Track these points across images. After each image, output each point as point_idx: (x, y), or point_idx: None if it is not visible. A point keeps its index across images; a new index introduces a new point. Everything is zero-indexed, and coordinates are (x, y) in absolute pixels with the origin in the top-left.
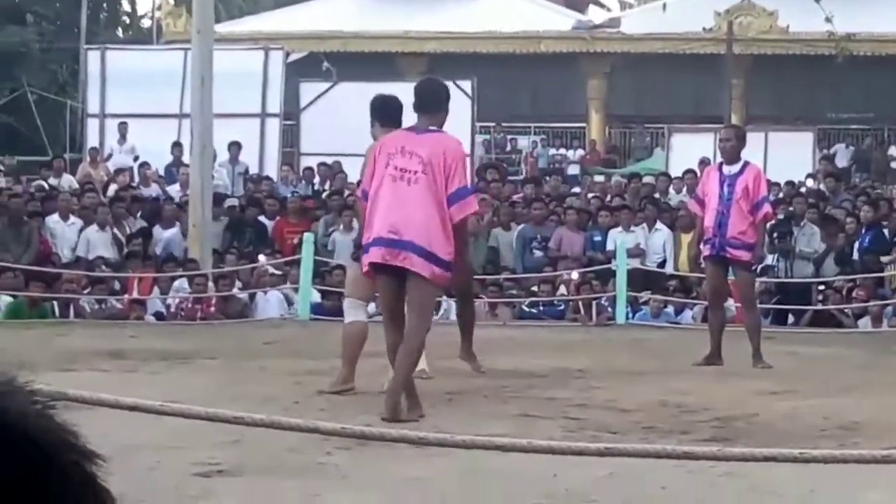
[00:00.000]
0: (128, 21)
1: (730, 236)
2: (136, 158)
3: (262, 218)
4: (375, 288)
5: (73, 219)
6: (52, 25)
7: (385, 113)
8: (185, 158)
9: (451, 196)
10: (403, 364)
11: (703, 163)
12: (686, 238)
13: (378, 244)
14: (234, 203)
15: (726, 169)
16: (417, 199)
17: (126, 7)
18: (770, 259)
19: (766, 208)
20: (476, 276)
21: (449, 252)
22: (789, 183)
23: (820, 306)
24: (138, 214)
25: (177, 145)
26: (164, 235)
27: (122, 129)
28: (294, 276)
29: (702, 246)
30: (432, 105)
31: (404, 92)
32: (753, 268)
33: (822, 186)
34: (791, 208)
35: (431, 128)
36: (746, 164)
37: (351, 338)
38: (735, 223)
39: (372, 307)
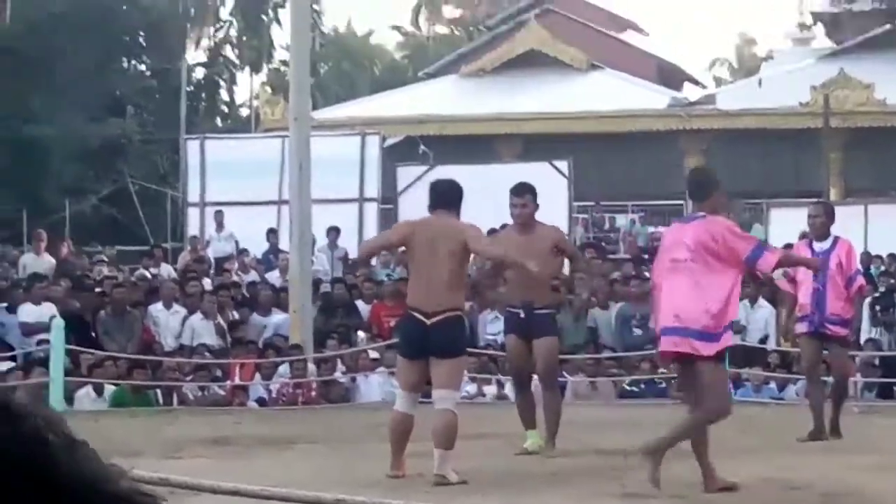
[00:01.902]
0: (226, 110)
1: (829, 313)
2: (237, 244)
3: (359, 302)
4: (417, 377)
5: (176, 307)
6: (152, 117)
7: (443, 198)
8: (282, 245)
9: (748, 260)
10: (685, 427)
11: (803, 237)
12: None
13: (665, 333)
14: (328, 289)
15: (817, 245)
16: (687, 285)
17: (224, 97)
18: (874, 332)
19: (860, 281)
20: (575, 356)
21: (714, 324)
22: (892, 255)
23: None
24: (235, 301)
25: (272, 232)
26: (272, 320)
27: (219, 218)
28: (392, 359)
29: (798, 323)
30: (700, 192)
31: (500, 173)
32: (849, 342)
33: None
34: (893, 280)
35: (699, 214)
36: (837, 238)
37: (392, 426)
38: (833, 299)
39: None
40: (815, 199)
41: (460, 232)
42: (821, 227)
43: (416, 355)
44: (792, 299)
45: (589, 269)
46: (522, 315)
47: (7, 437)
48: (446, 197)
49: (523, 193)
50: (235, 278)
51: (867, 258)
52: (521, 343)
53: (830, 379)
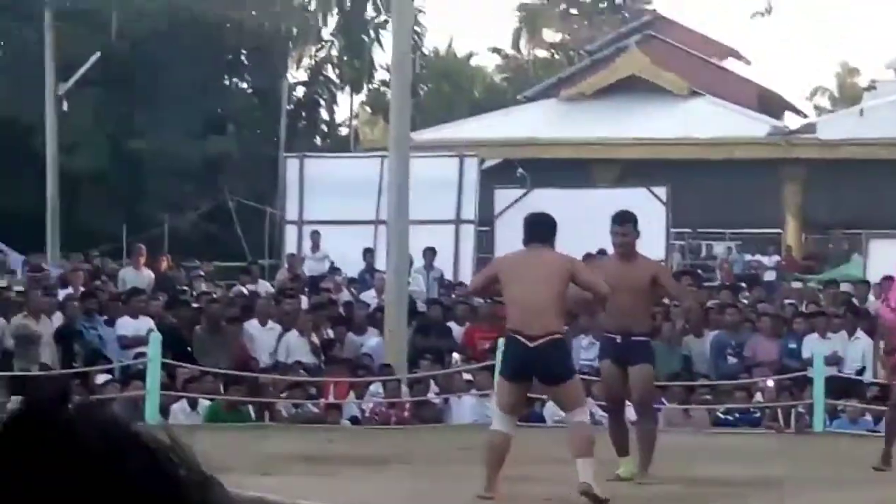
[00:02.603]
0: (326, 129)
1: None
2: (331, 264)
3: (451, 323)
4: (517, 399)
5: (271, 324)
6: (252, 134)
7: (539, 232)
8: (378, 265)
9: None
10: None
11: None
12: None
13: None
14: (424, 308)
15: None
16: None
17: (324, 116)
18: None
19: None
20: (670, 383)
21: None
22: None
23: None
24: (331, 319)
25: (369, 251)
26: (367, 340)
27: (315, 238)
28: (484, 381)
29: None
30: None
31: (597, 197)
32: None
33: None
34: None
35: None
36: None
37: (490, 447)
38: None
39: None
40: None
41: (566, 262)
42: None
43: (518, 378)
44: (891, 328)
45: (686, 308)
46: (619, 341)
47: (139, 472)
48: (542, 230)
49: (626, 222)
50: (337, 297)
51: None
52: (617, 369)
53: None
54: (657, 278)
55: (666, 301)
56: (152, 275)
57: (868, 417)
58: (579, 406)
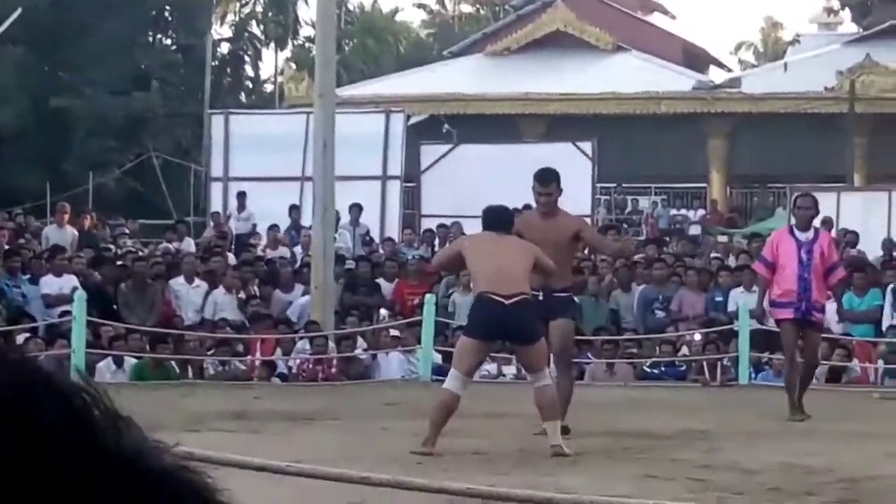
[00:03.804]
0: (251, 86)
1: (814, 300)
2: (254, 227)
3: (381, 280)
4: (478, 361)
5: (197, 281)
6: (176, 91)
7: (498, 222)
8: (304, 221)
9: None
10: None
11: (825, 223)
12: None
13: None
14: (352, 265)
15: (801, 235)
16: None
17: (249, 72)
18: None
19: (842, 272)
20: (596, 337)
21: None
22: None
23: None
24: (255, 279)
25: (294, 208)
26: (295, 298)
27: (241, 199)
28: (411, 339)
29: (780, 308)
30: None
31: (524, 153)
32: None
33: None
34: None
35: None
36: (818, 230)
37: (440, 405)
38: (817, 288)
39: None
40: (839, 185)
41: (530, 245)
42: (810, 218)
43: (488, 337)
44: (766, 284)
45: (617, 249)
46: (541, 297)
47: (52, 414)
48: (501, 220)
49: (548, 182)
50: (268, 253)
51: (888, 244)
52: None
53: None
54: (580, 234)
55: (592, 257)
56: (76, 232)
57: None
58: (543, 366)
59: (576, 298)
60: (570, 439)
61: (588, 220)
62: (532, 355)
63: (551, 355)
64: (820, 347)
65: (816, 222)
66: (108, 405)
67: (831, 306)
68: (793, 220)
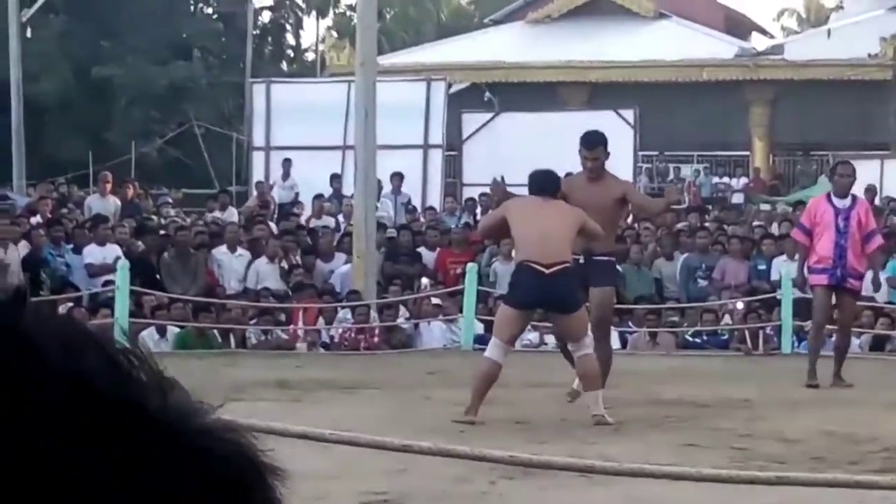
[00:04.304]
0: (292, 55)
1: (850, 267)
2: (296, 195)
3: (422, 249)
4: (519, 329)
5: (240, 251)
6: (217, 60)
7: (543, 186)
8: (345, 190)
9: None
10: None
11: (869, 190)
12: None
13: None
14: (393, 234)
15: (839, 202)
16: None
17: (290, 41)
18: None
19: (879, 240)
20: (639, 305)
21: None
22: None
23: None
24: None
25: (336, 177)
26: (336, 267)
27: (286, 166)
28: (453, 306)
29: (817, 275)
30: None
31: (566, 121)
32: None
33: None
34: None
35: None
36: (856, 197)
37: (482, 374)
38: (853, 255)
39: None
40: (883, 152)
41: (577, 211)
42: (849, 186)
43: (528, 306)
44: (805, 251)
45: (662, 208)
46: (582, 261)
47: (97, 373)
48: (548, 184)
49: (595, 146)
50: (312, 223)
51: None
52: (580, 293)
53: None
54: (626, 196)
55: (635, 226)
56: (119, 202)
57: (835, 338)
58: (584, 336)
59: (618, 266)
60: (612, 408)
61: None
62: (572, 324)
63: (590, 323)
64: (854, 315)
65: (859, 190)
66: (154, 366)
67: (868, 274)
68: (832, 188)
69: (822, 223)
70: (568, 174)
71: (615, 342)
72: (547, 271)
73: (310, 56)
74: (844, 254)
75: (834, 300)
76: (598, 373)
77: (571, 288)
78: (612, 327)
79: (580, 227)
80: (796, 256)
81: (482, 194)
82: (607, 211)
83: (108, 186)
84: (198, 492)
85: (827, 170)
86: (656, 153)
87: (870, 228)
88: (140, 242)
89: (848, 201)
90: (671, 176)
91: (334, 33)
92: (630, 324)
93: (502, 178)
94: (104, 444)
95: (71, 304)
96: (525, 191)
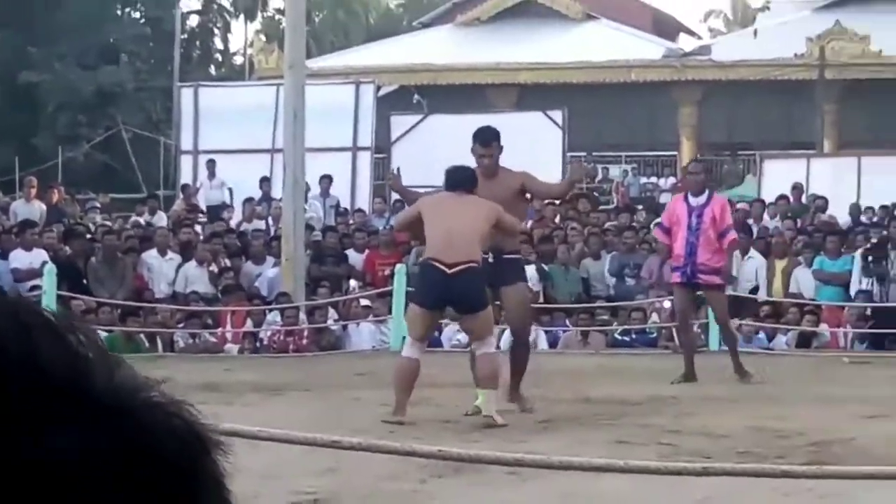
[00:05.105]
0: (220, 59)
1: (700, 262)
2: (230, 192)
3: (351, 251)
4: (428, 328)
5: (170, 254)
6: (145, 64)
7: (460, 182)
8: (275, 193)
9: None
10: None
11: (796, 188)
12: (780, 264)
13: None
14: (319, 236)
15: (693, 200)
16: None
17: (218, 45)
18: (865, 283)
19: (733, 235)
20: (568, 305)
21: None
22: (884, 207)
23: None
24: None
25: (265, 180)
26: (265, 270)
27: (211, 167)
28: (383, 308)
29: (673, 273)
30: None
31: (494, 122)
32: (724, 289)
33: None
34: (886, 232)
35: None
36: (712, 195)
37: (399, 372)
38: (703, 251)
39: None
40: (809, 151)
41: (492, 206)
42: (700, 183)
43: (433, 305)
44: (667, 249)
45: (565, 188)
46: (491, 260)
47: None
48: (463, 180)
49: (489, 142)
50: (244, 226)
51: (856, 210)
52: (488, 291)
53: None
54: (525, 186)
55: (562, 225)
56: (44, 207)
57: (762, 335)
58: (488, 335)
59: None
60: (543, 406)
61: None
62: (476, 323)
63: (508, 324)
64: (726, 306)
65: (786, 188)
66: (100, 343)
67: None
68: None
69: (676, 221)
70: None
71: (544, 343)
72: (449, 271)
73: (238, 60)
74: (694, 251)
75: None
76: (497, 373)
77: (475, 287)
78: (542, 327)
79: (496, 222)
80: None
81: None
82: (508, 205)
83: (33, 191)
84: (146, 466)
85: (754, 169)
86: (585, 154)
87: (725, 224)
88: (67, 247)
89: (703, 199)
90: (600, 176)
91: (262, 37)
92: (567, 322)
93: (398, 169)
94: (53, 420)
95: None
96: None
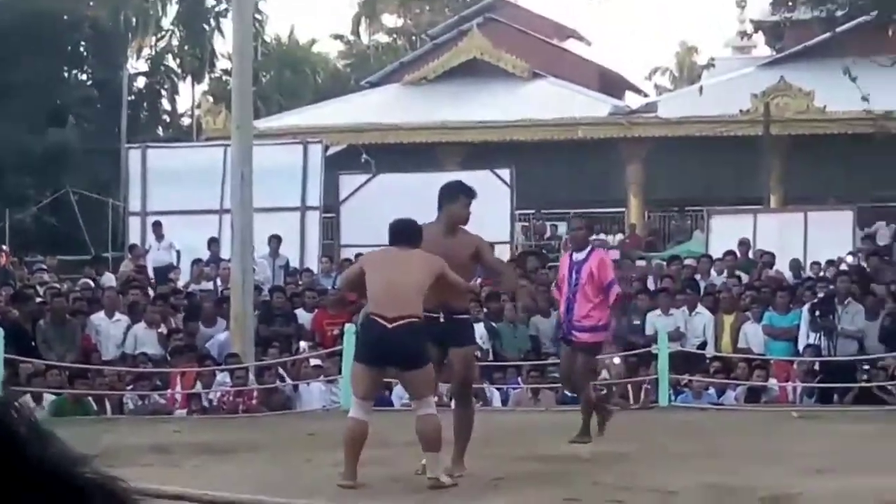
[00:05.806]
0: (168, 120)
1: (575, 319)
2: (178, 254)
3: (300, 310)
4: (372, 386)
5: (118, 315)
6: (93, 126)
7: (404, 236)
8: (223, 254)
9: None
10: None
11: (743, 244)
12: (728, 319)
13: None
14: (267, 297)
15: (576, 256)
16: None
17: (166, 106)
18: (813, 338)
19: (615, 290)
20: (518, 363)
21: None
22: (829, 262)
23: (864, 384)
24: (176, 312)
25: (213, 241)
26: (217, 333)
27: (157, 229)
28: (332, 367)
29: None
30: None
31: (442, 181)
32: (597, 349)
33: (864, 265)
34: (833, 287)
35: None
36: (592, 250)
37: (347, 435)
38: (581, 307)
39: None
40: (756, 206)
41: (435, 260)
42: (581, 238)
43: (374, 362)
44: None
45: (510, 287)
46: (442, 319)
47: None
48: (407, 234)
49: (475, 197)
50: (192, 287)
51: (797, 265)
52: (436, 351)
53: (774, 383)
54: (479, 251)
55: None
56: None
57: (711, 391)
58: (428, 394)
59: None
60: (494, 464)
61: (507, 247)
62: (416, 382)
63: (452, 384)
64: (590, 367)
65: (733, 244)
66: (33, 418)
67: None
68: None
69: (562, 278)
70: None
71: (497, 400)
72: (390, 325)
73: (186, 121)
74: (572, 306)
75: None
76: (439, 435)
77: (416, 344)
78: (494, 385)
79: (439, 276)
80: (671, 311)
81: (358, 255)
82: (461, 265)
83: None
84: None
85: (702, 225)
86: (533, 211)
87: (606, 280)
88: (15, 310)
89: (583, 254)
90: (548, 234)
91: (210, 98)
92: (519, 380)
93: None
94: None
95: None
96: None
